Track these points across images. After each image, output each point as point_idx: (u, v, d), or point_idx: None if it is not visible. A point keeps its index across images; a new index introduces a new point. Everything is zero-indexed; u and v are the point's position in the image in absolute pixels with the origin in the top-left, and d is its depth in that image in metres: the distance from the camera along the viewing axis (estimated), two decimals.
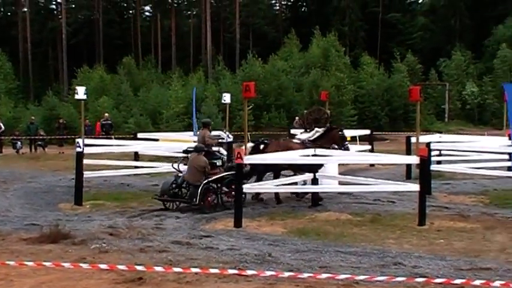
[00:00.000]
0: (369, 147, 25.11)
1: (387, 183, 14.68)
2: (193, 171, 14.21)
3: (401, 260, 9.12)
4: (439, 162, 20.51)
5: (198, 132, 17.00)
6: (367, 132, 27.08)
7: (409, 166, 19.34)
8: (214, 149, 15.93)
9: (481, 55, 61.24)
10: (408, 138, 21.18)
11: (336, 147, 15.85)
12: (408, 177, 19.31)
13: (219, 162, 15.07)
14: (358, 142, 25.95)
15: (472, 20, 68.88)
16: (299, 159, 14.96)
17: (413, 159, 13.44)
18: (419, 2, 78.16)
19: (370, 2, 68.99)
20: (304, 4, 77.98)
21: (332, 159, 15.39)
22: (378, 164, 22.43)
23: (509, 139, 19.23)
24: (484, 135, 30.87)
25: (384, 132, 39.56)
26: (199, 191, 13.71)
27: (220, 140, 17.85)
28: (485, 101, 52.62)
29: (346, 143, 16.53)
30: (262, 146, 15.76)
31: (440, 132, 28.04)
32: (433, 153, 19.62)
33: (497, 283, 6.28)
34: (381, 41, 65.64)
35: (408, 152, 20.72)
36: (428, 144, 17.83)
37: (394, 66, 53.98)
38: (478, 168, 18.78)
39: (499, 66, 54.80)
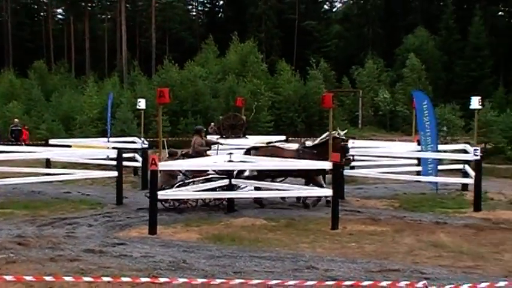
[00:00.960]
0: None
1: (301, 188, 14.91)
2: (163, 175, 14.72)
3: (314, 263, 9.28)
4: (352, 167, 20.95)
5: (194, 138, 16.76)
6: (283, 138, 27.37)
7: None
8: None
9: (393, 63, 63.25)
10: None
11: None
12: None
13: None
14: None
15: (383, 29, 71.21)
16: (212, 165, 14.98)
17: (326, 165, 13.68)
18: (334, 10, 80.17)
19: (286, 9, 70.02)
20: (221, 10, 78.23)
21: (248, 165, 15.42)
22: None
23: (418, 144, 19.91)
24: (395, 140, 31.85)
25: (300, 138, 40.09)
26: None
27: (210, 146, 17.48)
28: (396, 108, 54.31)
29: (348, 154, 16.10)
30: (253, 152, 15.90)
31: (354, 138, 28.68)
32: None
33: (402, 283, 6.50)
34: (297, 48, 66.75)
35: None
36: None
37: (309, 73, 54.91)
38: (388, 173, 19.31)
39: (409, 75, 56.77)
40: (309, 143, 16.53)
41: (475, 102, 17.42)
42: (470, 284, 6.80)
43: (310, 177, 15.52)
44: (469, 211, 14.93)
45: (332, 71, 60.43)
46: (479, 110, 18.94)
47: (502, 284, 6.82)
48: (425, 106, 18.40)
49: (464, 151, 18.27)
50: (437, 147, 18.35)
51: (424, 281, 6.07)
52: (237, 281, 6.45)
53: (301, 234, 11.98)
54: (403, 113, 50.52)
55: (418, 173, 19.25)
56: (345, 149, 15.70)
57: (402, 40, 64.32)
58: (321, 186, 15.36)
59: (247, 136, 19.83)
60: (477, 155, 15.73)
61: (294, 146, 17.07)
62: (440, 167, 19.03)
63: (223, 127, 19.30)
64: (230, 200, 14.95)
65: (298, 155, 15.45)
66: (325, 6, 76.95)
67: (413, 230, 12.57)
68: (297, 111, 47.64)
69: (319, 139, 16.08)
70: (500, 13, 76.00)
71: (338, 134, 16.03)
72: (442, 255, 10.23)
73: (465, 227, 13.02)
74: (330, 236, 11.95)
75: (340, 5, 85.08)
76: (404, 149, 21.72)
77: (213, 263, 9.28)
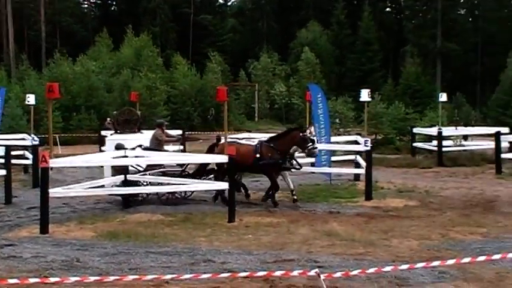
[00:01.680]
0: (181, 147, 25.24)
1: (199, 182, 14.88)
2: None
3: (211, 257, 9.29)
4: None
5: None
6: (179, 132, 27.20)
7: None
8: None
9: (287, 57, 64.38)
10: (218, 138, 21.53)
11: (300, 150, 15.07)
12: None
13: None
14: (170, 142, 25.99)
15: (278, 24, 72.35)
16: (109, 160, 14.68)
17: (223, 158, 13.73)
18: (229, 4, 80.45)
19: (181, 3, 69.49)
20: (114, 3, 76.59)
21: (141, 160, 15.19)
22: (190, 164, 22.55)
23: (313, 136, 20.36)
24: None
25: (196, 132, 40.03)
26: None
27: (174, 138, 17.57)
28: (291, 101, 55.31)
29: (312, 145, 14.82)
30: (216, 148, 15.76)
31: (250, 131, 29.00)
32: None
33: (295, 272, 6.62)
34: (192, 42, 66.43)
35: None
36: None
37: (206, 67, 54.89)
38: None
39: (303, 68, 57.99)
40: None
41: (365, 95, 18.06)
42: (359, 270, 7.05)
43: (266, 173, 15.28)
44: (361, 200, 15.45)
45: (228, 65, 60.69)
46: (369, 102, 19.63)
47: (388, 268, 7.12)
48: (320, 99, 18.85)
49: (356, 142, 18.87)
50: (330, 139, 18.83)
51: (317, 269, 6.22)
52: (131, 277, 6.34)
53: (198, 228, 11.96)
54: (299, 105, 51.49)
55: (312, 165, 19.69)
56: (306, 140, 14.84)
57: (296, 34, 65.62)
58: (275, 184, 15.05)
59: (142, 131, 19.51)
60: (367, 146, 16.28)
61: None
62: (333, 158, 19.56)
63: (118, 122, 18.88)
64: (125, 196, 14.70)
65: (256, 149, 14.95)
66: (220, 0, 77.07)
67: (308, 220, 12.87)
68: (194, 105, 47.50)
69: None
70: (387, 9, 79.23)
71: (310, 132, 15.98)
72: (335, 243, 10.51)
73: (357, 215, 13.49)
74: (227, 228, 12.02)
75: None
76: None
77: (108, 260, 9.08)
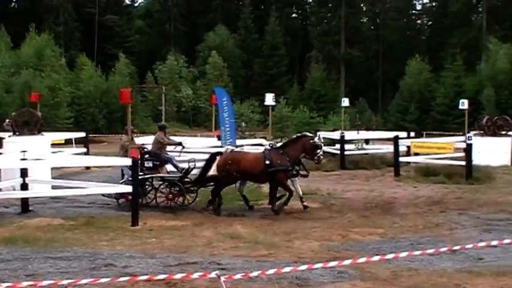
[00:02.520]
0: (85, 149, 24.71)
1: (101, 185, 14.63)
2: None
3: (113, 261, 9.14)
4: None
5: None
6: (83, 134, 26.62)
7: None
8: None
9: (195, 60, 64.27)
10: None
11: (308, 157, 14.81)
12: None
13: (148, 164, 15.03)
14: (74, 145, 25.44)
15: (185, 26, 72.09)
16: (7, 163, 14.16)
17: (126, 161, 13.53)
18: (136, 5, 79.35)
19: (85, 2, 67.80)
20: (14, 0, 73.71)
21: (41, 163, 14.75)
22: (94, 167, 22.13)
23: (218, 139, 20.43)
24: (197, 136, 32.42)
25: (101, 135, 39.26)
26: None
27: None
28: (198, 104, 55.26)
29: (320, 152, 14.70)
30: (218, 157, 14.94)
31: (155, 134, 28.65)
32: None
33: (196, 275, 6.64)
34: (98, 43, 64.96)
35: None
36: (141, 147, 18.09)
37: (113, 68, 53.90)
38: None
39: (211, 71, 58.10)
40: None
41: (269, 99, 18.32)
42: (260, 271, 7.14)
43: (277, 181, 14.58)
44: (265, 203, 15.59)
45: (135, 66, 59.85)
46: (274, 106, 19.91)
47: (287, 269, 7.26)
48: (225, 102, 18.95)
49: (261, 145, 19.07)
50: (235, 142, 18.94)
51: (217, 271, 6.25)
52: (26, 283, 6.13)
53: (101, 232, 11.72)
54: (205, 109, 51.53)
55: None
56: (317, 147, 14.65)
57: (203, 38, 65.63)
58: (289, 190, 14.60)
59: (43, 133, 18.92)
60: None
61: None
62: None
63: (17, 124, 18.22)
64: (23, 200, 14.18)
65: (265, 156, 14.45)
66: (127, 1, 75.77)
67: (213, 223, 12.90)
68: (98, 107, 46.53)
69: None
70: (294, 15, 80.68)
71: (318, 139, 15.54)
72: (239, 246, 10.60)
73: (261, 218, 13.65)
74: (130, 232, 11.85)
75: (142, 0, 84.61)
76: (205, 144, 22.16)
77: (3, 267, 8.76)
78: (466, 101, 24.48)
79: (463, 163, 19.75)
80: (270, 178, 14.54)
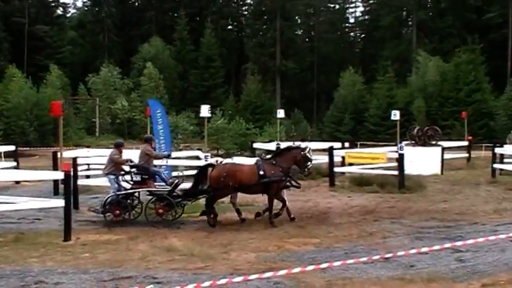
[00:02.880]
0: (15, 163, 23.98)
1: (31, 200, 14.21)
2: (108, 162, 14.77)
3: (44, 278, 8.91)
4: (88, 177, 20.56)
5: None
6: (12, 148, 25.85)
7: (56, 182, 18.90)
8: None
9: (129, 71, 63.55)
10: (55, 154, 20.71)
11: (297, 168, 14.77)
12: (56, 193, 18.81)
13: (136, 177, 14.53)
14: (3, 158, 24.70)
15: (119, 37, 71.29)
16: None
17: (58, 175, 13.20)
18: (68, 16, 77.94)
19: (14, 12, 66.00)
20: None
21: None
22: (24, 181, 21.49)
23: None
24: (133, 148, 31.96)
25: (32, 148, 38.24)
26: (103, 202, 13.86)
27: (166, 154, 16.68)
28: (134, 116, 54.59)
29: (310, 164, 15.01)
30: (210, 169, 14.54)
31: (89, 147, 28.18)
32: (81, 167, 19.66)
33: None
34: (28, 54, 63.32)
35: (56, 168, 20.26)
36: (75, 159, 17.77)
37: (45, 79, 52.68)
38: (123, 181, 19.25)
39: (146, 83, 57.56)
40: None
41: (205, 111, 18.26)
42: (195, 284, 7.08)
43: (271, 191, 14.41)
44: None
45: (68, 78, 58.63)
46: (209, 117, 19.86)
47: (223, 281, 7.22)
48: (159, 114, 18.78)
49: (197, 157, 18.99)
50: (171, 154, 18.76)
51: (152, 285, 6.16)
52: None
53: (31, 249, 11.36)
54: (141, 120, 50.94)
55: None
56: (308, 159, 14.88)
57: (138, 49, 65.03)
58: (283, 200, 14.58)
59: None
60: (207, 161, 16.43)
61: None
62: (174, 173, 19.50)
63: None
64: None
65: (258, 167, 14.26)
66: (59, 12, 74.25)
67: (148, 236, 12.70)
68: (29, 119, 45.27)
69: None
70: (229, 27, 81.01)
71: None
72: (175, 259, 10.48)
73: (197, 230, 13.55)
74: (62, 248, 11.54)
75: (75, 10, 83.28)
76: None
77: None
78: (397, 112, 25.11)
79: (396, 173, 20.21)
80: (264, 189, 14.50)
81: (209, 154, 17.34)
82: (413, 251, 8.96)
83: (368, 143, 44.63)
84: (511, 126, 41.05)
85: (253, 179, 14.22)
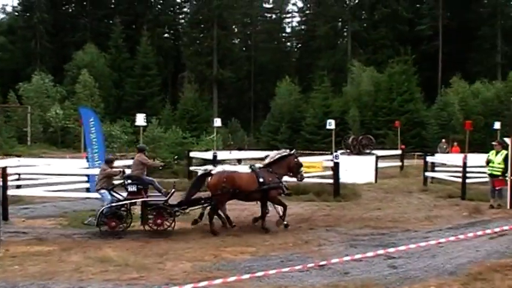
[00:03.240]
0: None
1: None
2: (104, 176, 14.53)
3: None
4: (18, 187, 19.99)
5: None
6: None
7: None
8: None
9: (63, 79, 62.20)
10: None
11: (291, 175, 15.37)
12: None
13: (132, 188, 14.26)
14: None
15: (52, 44, 69.72)
16: None
17: None
18: None
19: None
20: None
21: None
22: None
23: (87, 161, 19.86)
24: (66, 157, 31.30)
25: None
26: (97, 213, 13.64)
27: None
28: (67, 124, 53.38)
29: (302, 169, 15.53)
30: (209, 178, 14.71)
31: (20, 156, 27.37)
32: (11, 177, 19.06)
33: None
34: None
35: None
36: (4, 169, 17.21)
37: None
38: (56, 191, 18.85)
39: (81, 91, 56.44)
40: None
41: (140, 119, 18.05)
42: None
43: (270, 198, 14.83)
44: (137, 225, 15.25)
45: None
46: (145, 126, 19.62)
47: None
48: (92, 123, 18.50)
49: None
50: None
51: None
52: None
53: None
54: (75, 129, 49.89)
55: (87, 190, 19.15)
56: (301, 165, 15.49)
57: (72, 56, 63.77)
58: (284, 205, 14.85)
59: None
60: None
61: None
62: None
63: None
64: None
65: (257, 174, 14.59)
66: None
67: (81, 247, 12.42)
68: None
69: (269, 158, 15.39)
70: (166, 35, 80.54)
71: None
72: (109, 269, 10.28)
73: (132, 240, 13.33)
74: None
75: (4, 15, 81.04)
76: (73, 166, 21.46)
77: None
78: (333, 121, 25.50)
79: (331, 181, 20.47)
80: (263, 196, 14.81)
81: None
82: (348, 258, 9.07)
83: (304, 151, 45.11)
84: (442, 135, 42.26)
85: (253, 185, 14.56)
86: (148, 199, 14.39)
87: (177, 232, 14.16)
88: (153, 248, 12.32)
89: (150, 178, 15.36)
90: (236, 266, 10.46)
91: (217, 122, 27.97)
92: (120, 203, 14.29)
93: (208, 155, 25.99)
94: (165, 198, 14.35)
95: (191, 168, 27.19)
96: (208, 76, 70.75)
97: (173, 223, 14.23)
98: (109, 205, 14.07)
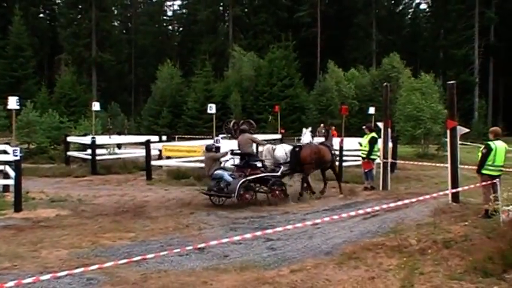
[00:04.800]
0: None
1: None
2: (208, 159, 16.24)
3: None
4: None
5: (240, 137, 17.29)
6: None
7: None
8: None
9: None
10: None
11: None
12: None
13: (258, 164, 16.18)
14: None
15: None
16: None
17: None
18: None
19: None
20: None
21: None
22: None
23: None
24: None
25: None
26: (237, 187, 15.11)
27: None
28: None
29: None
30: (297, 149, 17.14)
31: None
32: None
33: None
34: None
35: None
36: None
37: None
38: None
39: None
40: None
41: (13, 102, 17.25)
42: None
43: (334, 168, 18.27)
44: (10, 212, 14.66)
45: None
46: (19, 110, 18.77)
47: (29, 279, 6.89)
48: None
49: (5, 152, 17.87)
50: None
51: None
52: None
53: None
54: None
55: None
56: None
57: None
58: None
59: None
60: (17, 156, 15.53)
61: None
62: None
63: None
64: None
65: (329, 148, 17.92)
66: None
67: None
68: None
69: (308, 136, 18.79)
70: (41, 15, 77.22)
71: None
72: None
73: (4, 228, 12.76)
74: None
75: None
76: None
77: None
78: (214, 106, 25.54)
79: None
80: (333, 166, 18.20)
81: (18, 148, 16.30)
82: (226, 240, 9.18)
83: (186, 136, 45.08)
84: (321, 120, 43.60)
85: (329, 157, 17.54)
86: (270, 173, 16.29)
87: (53, 219, 13.73)
88: (27, 236, 11.85)
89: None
90: (114, 252, 10.29)
91: (96, 105, 27.23)
92: (255, 176, 15.86)
93: (87, 140, 25.33)
94: (279, 174, 16.35)
95: (69, 153, 26.41)
96: (87, 59, 68.71)
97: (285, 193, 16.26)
98: (246, 179, 15.58)
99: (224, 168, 16.48)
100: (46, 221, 13.58)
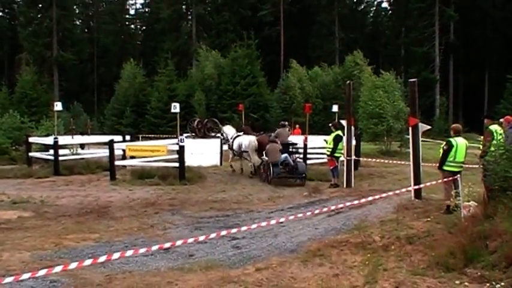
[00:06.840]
0: None
1: None
2: (272, 151, 20.22)
3: None
4: None
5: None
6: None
7: None
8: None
9: None
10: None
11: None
12: None
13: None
14: None
15: None
16: None
17: None
18: None
19: None
20: None
21: None
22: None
23: None
24: None
25: None
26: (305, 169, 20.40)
27: None
28: None
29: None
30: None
31: None
32: None
33: None
34: None
35: None
36: None
37: None
38: None
39: None
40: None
41: None
42: None
43: None
44: None
45: None
46: None
47: None
48: None
49: None
50: None
51: None
52: None
53: None
54: None
55: None
56: None
57: None
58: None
59: None
60: None
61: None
62: None
63: None
64: None
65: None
66: None
67: None
68: None
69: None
70: (0, 14, 75.89)
71: None
72: None
73: None
74: None
75: None
76: None
77: None
78: (177, 105, 25.40)
79: (177, 164, 20.53)
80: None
81: None
82: (191, 239, 9.16)
83: (150, 135, 44.77)
84: (285, 118, 43.74)
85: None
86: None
87: (15, 221, 13.51)
88: None
89: None
90: (78, 254, 10.18)
91: (58, 105, 26.81)
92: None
93: (49, 140, 24.96)
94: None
95: (31, 154, 26.01)
96: (48, 58, 67.70)
97: None
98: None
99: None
100: (8, 223, 13.35)
